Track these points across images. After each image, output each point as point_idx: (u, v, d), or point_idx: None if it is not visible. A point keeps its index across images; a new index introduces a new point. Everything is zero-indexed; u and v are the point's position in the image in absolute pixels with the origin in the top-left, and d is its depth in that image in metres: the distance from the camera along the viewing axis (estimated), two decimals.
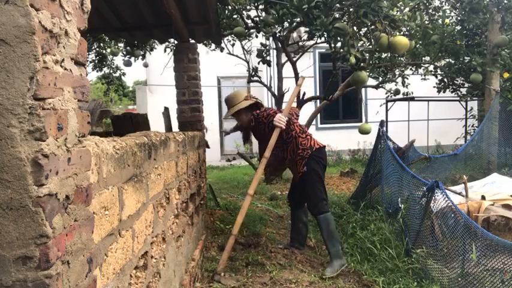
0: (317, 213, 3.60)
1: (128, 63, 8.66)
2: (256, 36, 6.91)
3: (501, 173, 5.62)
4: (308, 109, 8.43)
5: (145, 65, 11.02)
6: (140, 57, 7.94)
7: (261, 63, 6.48)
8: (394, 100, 8.80)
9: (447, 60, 7.53)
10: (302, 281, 3.20)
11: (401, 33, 5.11)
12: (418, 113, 9.87)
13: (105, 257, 1.29)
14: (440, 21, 6.84)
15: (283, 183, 7.05)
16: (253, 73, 6.95)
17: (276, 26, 4.85)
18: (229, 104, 3.84)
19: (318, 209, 3.59)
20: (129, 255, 1.55)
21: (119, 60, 8.73)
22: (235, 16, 6.11)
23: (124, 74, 9.54)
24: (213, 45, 7.29)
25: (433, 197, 3.29)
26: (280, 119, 3.46)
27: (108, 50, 8.37)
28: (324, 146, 3.83)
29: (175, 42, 4.41)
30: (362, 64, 3.96)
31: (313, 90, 10.93)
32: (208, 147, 4.51)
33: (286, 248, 3.88)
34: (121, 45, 7.98)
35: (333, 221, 3.69)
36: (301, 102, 6.08)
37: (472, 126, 9.20)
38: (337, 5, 3.79)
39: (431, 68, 7.92)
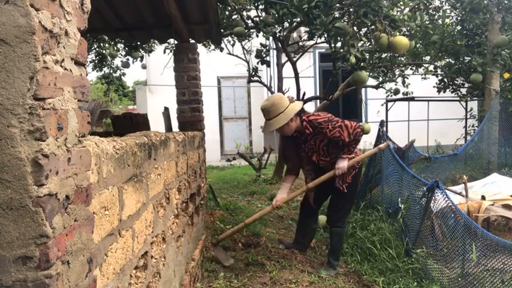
0: (337, 226, 3.51)
1: (125, 65, 8.66)
2: (257, 36, 6.91)
3: (501, 173, 5.62)
4: (308, 109, 8.42)
5: (144, 67, 11.02)
6: (139, 58, 7.94)
7: (260, 63, 6.48)
8: (394, 100, 8.80)
9: (447, 60, 7.53)
10: (302, 281, 3.20)
11: (402, 33, 5.11)
12: (418, 113, 9.87)
13: (105, 257, 1.29)
14: (440, 21, 6.83)
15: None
16: (253, 73, 6.95)
17: (276, 26, 4.85)
18: (273, 112, 3.18)
19: (341, 223, 3.52)
20: (129, 255, 1.55)
21: (118, 60, 8.74)
22: (235, 16, 6.11)
23: (124, 74, 9.54)
24: (213, 46, 7.29)
25: (433, 197, 3.29)
26: (343, 171, 3.28)
27: (107, 52, 8.36)
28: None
29: (175, 42, 4.41)
30: (362, 64, 3.96)
31: (313, 90, 10.93)
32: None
33: (288, 248, 3.81)
34: (120, 46, 7.97)
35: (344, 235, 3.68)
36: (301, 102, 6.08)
37: (472, 126, 9.20)
38: (337, 4, 3.79)
39: (431, 68, 7.92)
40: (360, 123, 3.32)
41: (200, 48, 4.77)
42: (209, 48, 7.55)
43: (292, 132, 3.31)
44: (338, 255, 3.56)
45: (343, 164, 3.28)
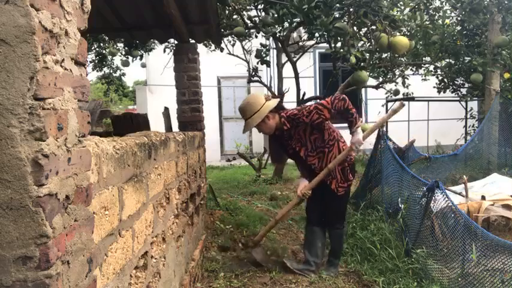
0: (336, 228, 3.39)
1: (125, 63, 8.67)
2: (256, 37, 6.91)
3: (501, 173, 5.62)
4: None
5: (143, 66, 11.03)
6: (138, 57, 7.95)
7: (260, 63, 6.48)
8: (394, 100, 8.80)
9: (447, 60, 7.54)
10: (302, 281, 3.20)
11: (402, 33, 5.12)
12: (418, 113, 9.87)
13: (105, 257, 1.29)
14: (440, 21, 6.84)
15: (283, 183, 7.05)
16: (253, 73, 6.95)
17: (276, 26, 4.85)
18: (249, 111, 3.12)
19: (339, 225, 3.40)
20: (129, 255, 1.55)
21: (118, 60, 8.75)
22: (235, 16, 6.11)
23: (124, 74, 9.55)
24: (213, 46, 7.29)
25: (433, 197, 3.29)
26: (360, 144, 3.08)
27: (107, 50, 8.38)
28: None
29: (175, 42, 4.41)
30: (362, 64, 3.96)
31: (313, 90, 10.93)
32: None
33: (300, 270, 3.33)
34: (120, 45, 7.98)
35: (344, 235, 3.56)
36: (301, 102, 6.08)
37: (472, 126, 9.20)
38: (337, 4, 3.79)
39: (431, 68, 7.92)
40: (338, 96, 3.10)
41: (200, 48, 4.77)
42: (209, 48, 7.55)
43: (272, 131, 3.21)
44: (339, 254, 3.51)
45: (357, 137, 3.07)
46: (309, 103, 3.21)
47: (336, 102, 3.00)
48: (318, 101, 3.09)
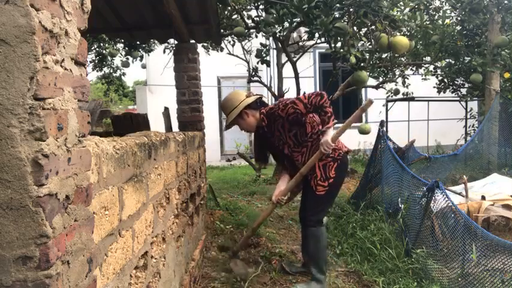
0: (310, 225, 3.05)
1: (125, 64, 8.67)
2: (256, 36, 6.91)
3: (501, 173, 5.62)
4: None
5: (143, 66, 11.04)
6: (138, 58, 7.95)
7: (260, 63, 6.48)
8: (395, 100, 8.80)
9: (447, 60, 7.54)
10: (302, 281, 3.20)
11: (402, 33, 5.12)
12: (418, 113, 9.88)
13: (105, 257, 1.29)
14: (440, 21, 6.84)
15: None
16: (253, 73, 6.95)
17: (276, 26, 4.85)
18: (228, 107, 3.05)
19: (315, 222, 3.04)
20: (129, 255, 1.55)
21: (118, 60, 8.75)
22: (235, 16, 6.12)
23: (124, 74, 9.55)
24: (211, 47, 7.30)
25: (433, 197, 3.29)
26: (328, 146, 2.84)
27: (107, 51, 8.38)
28: (350, 151, 3.22)
29: (175, 42, 4.41)
30: (362, 64, 3.96)
31: (313, 90, 10.92)
32: None
33: (299, 272, 3.30)
34: (120, 45, 7.98)
35: (326, 237, 3.18)
36: None
37: (472, 126, 9.21)
38: (337, 4, 3.79)
39: (431, 68, 7.92)
40: (317, 92, 2.88)
41: (200, 48, 4.77)
42: (210, 49, 7.55)
43: (253, 128, 3.10)
44: (321, 264, 3.04)
45: (326, 138, 2.84)
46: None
47: (312, 97, 2.84)
48: (297, 97, 2.93)
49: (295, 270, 3.33)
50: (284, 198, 3.11)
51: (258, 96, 3.10)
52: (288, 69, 6.96)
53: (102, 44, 8.18)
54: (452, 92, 8.39)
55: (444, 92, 8.38)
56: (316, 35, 3.87)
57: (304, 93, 2.95)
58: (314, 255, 3.06)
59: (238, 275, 3.15)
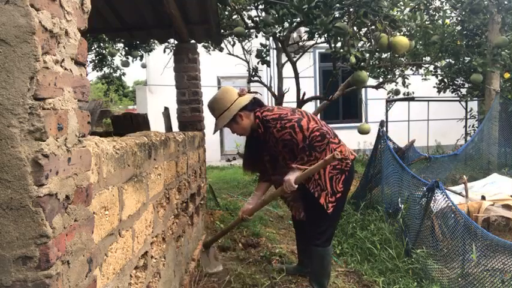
0: (317, 245, 2.79)
1: (125, 64, 8.68)
2: (256, 36, 6.90)
3: (501, 173, 5.62)
4: (308, 109, 8.44)
5: (144, 66, 11.04)
6: (138, 58, 7.95)
7: (260, 63, 6.48)
8: (395, 100, 8.81)
9: (447, 60, 7.54)
10: (302, 281, 3.20)
11: (402, 33, 5.12)
12: (418, 113, 9.88)
13: (105, 257, 1.29)
14: (440, 21, 6.84)
15: None
16: (253, 73, 6.95)
17: (276, 26, 4.85)
18: (219, 108, 2.65)
19: (322, 242, 2.79)
20: (129, 255, 1.55)
21: (118, 60, 8.75)
22: (235, 16, 6.11)
23: (124, 74, 9.55)
24: (212, 47, 7.29)
25: (433, 197, 3.29)
26: (291, 187, 2.54)
27: (107, 51, 8.38)
28: (355, 156, 2.92)
29: (175, 42, 4.41)
30: (362, 64, 3.96)
31: (313, 90, 10.93)
32: None
33: (295, 274, 3.19)
34: (120, 45, 7.98)
35: (331, 253, 2.98)
36: (301, 102, 6.08)
37: (472, 126, 9.21)
38: (337, 4, 3.79)
39: (431, 68, 7.92)
40: (322, 129, 2.55)
41: (200, 48, 4.77)
42: (210, 49, 7.54)
43: (246, 132, 2.73)
44: (323, 281, 2.86)
45: (288, 177, 2.53)
46: (304, 106, 2.74)
47: (315, 133, 2.49)
48: (301, 122, 2.55)
49: (292, 270, 3.27)
50: (250, 218, 2.94)
51: (253, 94, 2.72)
52: (288, 69, 6.95)
53: (102, 44, 8.18)
54: (452, 92, 8.39)
55: (444, 92, 8.38)
56: (316, 35, 3.86)
57: (309, 121, 2.57)
58: (316, 273, 2.88)
59: (204, 266, 3.19)
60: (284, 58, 6.81)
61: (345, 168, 2.72)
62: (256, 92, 2.80)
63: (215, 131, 2.86)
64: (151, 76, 12.28)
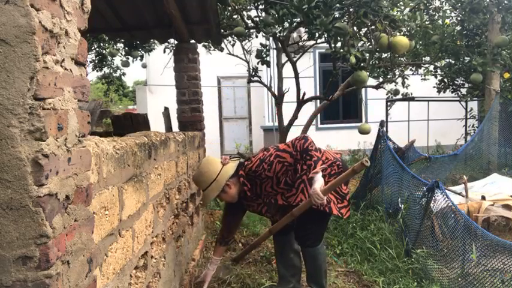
0: (307, 245, 2.82)
1: (125, 64, 8.68)
2: (256, 36, 6.90)
3: (501, 173, 5.62)
4: (308, 109, 8.43)
5: (144, 66, 11.04)
6: (139, 58, 7.95)
7: (260, 63, 6.48)
8: (395, 100, 8.80)
9: (447, 60, 7.54)
10: (302, 281, 3.19)
11: (402, 33, 5.11)
12: (418, 113, 9.87)
13: (105, 257, 1.29)
14: (440, 21, 6.84)
15: None
16: (253, 73, 6.95)
17: (276, 26, 4.84)
18: (204, 181, 2.61)
19: (312, 242, 2.81)
20: (129, 255, 1.55)
21: (118, 60, 8.75)
22: (235, 16, 6.11)
23: (124, 74, 9.55)
24: (212, 47, 7.29)
25: (433, 197, 3.29)
26: (319, 198, 2.48)
27: (107, 51, 8.38)
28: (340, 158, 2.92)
29: (175, 42, 4.41)
30: (362, 64, 3.96)
31: (313, 90, 10.93)
32: None
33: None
34: (120, 45, 7.98)
35: (325, 252, 2.99)
36: (301, 102, 6.08)
37: (472, 126, 9.21)
38: (337, 4, 3.79)
39: (431, 68, 7.92)
40: (298, 138, 2.63)
41: (200, 48, 4.77)
42: (209, 49, 7.55)
43: (236, 199, 2.71)
44: (321, 280, 2.87)
45: (314, 187, 2.49)
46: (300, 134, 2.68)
47: (296, 142, 2.58)
48: (279, 147, 2.64)
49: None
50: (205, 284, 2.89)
51: (236, 159, 2.74)
52: (288, 69, 6.95)
53: (102, 44, 8.17)
54: (452, 92, 8.39)
55: (444, 92, 8.38)
56: (316, 35, 3.86)
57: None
58: (312, 273, 2.88)
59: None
60: (284, 58, 6.81)
61: (339, 171, 2.76)
62: (238, 158, 2.82)
63: (205, 204, 3.00)
64: (151, 76, 12.28)
